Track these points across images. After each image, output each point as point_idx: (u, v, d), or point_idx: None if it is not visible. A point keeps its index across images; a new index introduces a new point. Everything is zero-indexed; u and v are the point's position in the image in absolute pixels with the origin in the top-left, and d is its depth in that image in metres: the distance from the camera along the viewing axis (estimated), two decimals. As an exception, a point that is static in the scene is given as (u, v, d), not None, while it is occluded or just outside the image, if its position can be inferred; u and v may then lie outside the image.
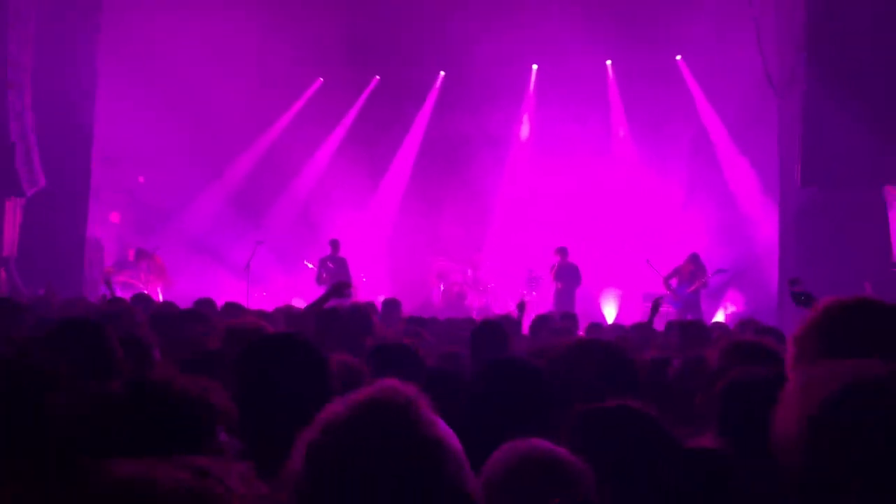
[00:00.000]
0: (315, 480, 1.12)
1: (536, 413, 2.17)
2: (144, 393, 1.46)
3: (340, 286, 4.97)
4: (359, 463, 1.10)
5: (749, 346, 2.68)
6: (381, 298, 8.62)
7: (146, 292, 10.27)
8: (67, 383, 1.64)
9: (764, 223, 13.01)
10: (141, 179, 14.96)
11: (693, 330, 5.30)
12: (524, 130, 16.02)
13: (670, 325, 6.37)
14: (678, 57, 14.64)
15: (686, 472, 1.72)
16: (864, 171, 9.52)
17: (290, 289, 14.37)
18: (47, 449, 1.45)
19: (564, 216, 14.96)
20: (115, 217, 14.69)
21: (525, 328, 6.83)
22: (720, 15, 12.28)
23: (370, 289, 14.06)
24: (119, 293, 9.15)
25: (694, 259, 12.08)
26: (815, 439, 1.18)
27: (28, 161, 10.30)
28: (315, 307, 4.63)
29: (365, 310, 5.09)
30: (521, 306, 7.50)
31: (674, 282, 12.14)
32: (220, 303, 7.13)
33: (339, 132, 16.14)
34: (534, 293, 14.03)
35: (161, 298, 11.35)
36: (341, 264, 12.81)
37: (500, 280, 15.15)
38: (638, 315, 12.20)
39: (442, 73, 15.95)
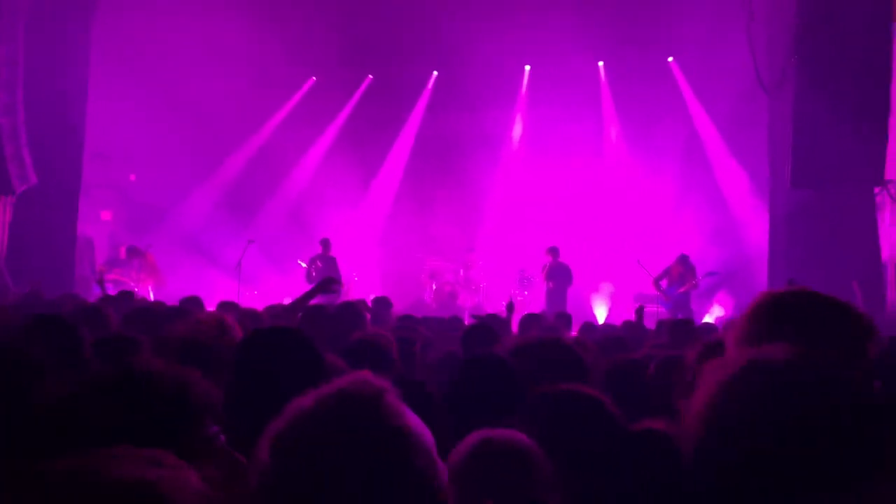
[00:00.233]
0: (280, 472, 1.09)
1: (505, 405, 2.22)
2: (125, 381, 1.46)
3: (328, 282, 4.95)
4: (325, 454, 1.07)
5: (722, 345, 2.70)
6: (373, 297, 8.62)
7: (137, 290, 10.25)
8: (50, 373, 1.65)
9: (754, 224, 13.07)
10: (133, 177, 14.93)
11: (682, 329, 5.34)
12: (516, 131, 16.04)
13: (661, 325, 6.50)
14: (670, 58, 14.69)
15: (630, 450, 1.79)
16: (853, 173, 9.57)
17: (282, 288, 14.35)
18: (28, 439, 1.45)
19: (556, 216, 15.00)
20: (106, 215, 14.66)
21: (514, 327, 6.85)
22: (712, 17, 12.31)
23: (362, 288, 14.06)
24: (111, 291, 9.13)
25: (683, 260, 12.12)
26: (708, 422, 1.18)
27: (19, 158, 10.26)
28: (301, 303, 4.61)
29: (356, 307, 5.09)
30: (510, 306, 7.56)
31: (664, 283, 12.18)
32: (210, 301, 7.13)
33: (332, 131, 16.14)
34: (525, 293, 14.06)
35: (152, 296, 11.33)
36: (331, 263, 12.79)
37: (492, 280, 15.18)
38: (628, 315, 12.24)
39: (435, 72, 15.96)
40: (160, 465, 0.98)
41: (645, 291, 13.02)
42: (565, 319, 7.31)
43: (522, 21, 13.39)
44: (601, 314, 14.31)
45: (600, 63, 15.21)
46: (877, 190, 10.05)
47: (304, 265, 13.22)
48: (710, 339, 2.98)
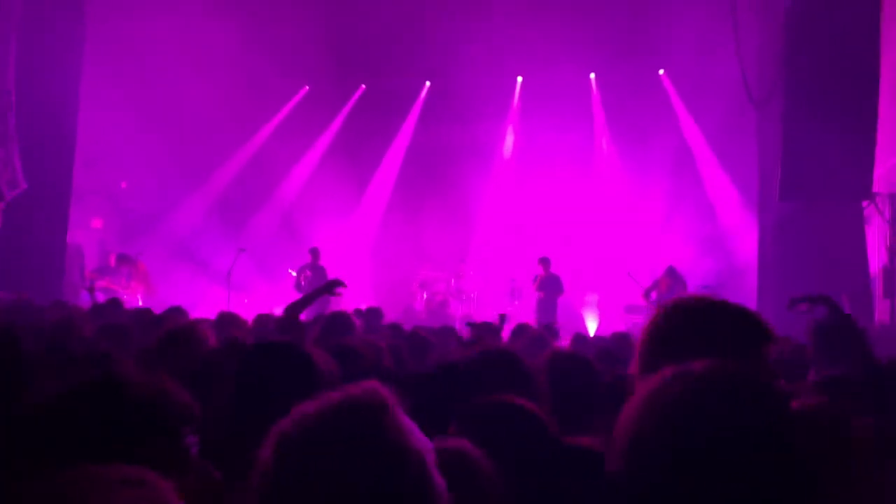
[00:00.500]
0: (280, 469, 1.12)
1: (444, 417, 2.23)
2: (101, 390, 1.46)
3: (333, 284, 4.92)
4: (323, 458, 1.10)
5: None
6: (364, 307, 8.61)
7: (126, 298, 10.21)
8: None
9: (744, 235, 13.12)
10: (123, 185, 14.89)
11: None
12: (508, 142, 16.10)
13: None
14: (661, 71, 14.78)
15: (558, 463, 1.81)
16: (841, 186, 9.62)
17: (272, 296, 14.32)
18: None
19: (547, 227, 15.04)
20: (96, 222, 14.61)
21: (505, 338, 6.87)
22: (702, 29, 12.40)
23: (353, 297, 14.04)
24: (100, 299, 9.09)
25: (670, 272, 12.14)
26: (630, 437, 1.18)
27: (9, 164, 10.22)
28: (304, 304, 4.60)
29: (347, 316, 5.09)
30: (503, 318, 7.59)
31: (654, 295, 12.21)
32: (199, 309, 7.10)
33: (324, 140, 16.16)
34: (516, 303, 14.07)
35: (141, 304, 11.29)
36: (320, 273, 12.77)
37: (483, 290, 15.19)
38: (618, 326, 12.27)
39: (427, 83, 16.01)
40: (141, 485, 0.98)
41: (635, 303, 13.06)
42: (552, 330, 7.33)
43: (515, 33, 13.46)
44: (592, 325, 14.33)
45: (592, 75, 15.30)
46: (865, 203, 10.11)
47: (294, 274, 13.20)
48: None
